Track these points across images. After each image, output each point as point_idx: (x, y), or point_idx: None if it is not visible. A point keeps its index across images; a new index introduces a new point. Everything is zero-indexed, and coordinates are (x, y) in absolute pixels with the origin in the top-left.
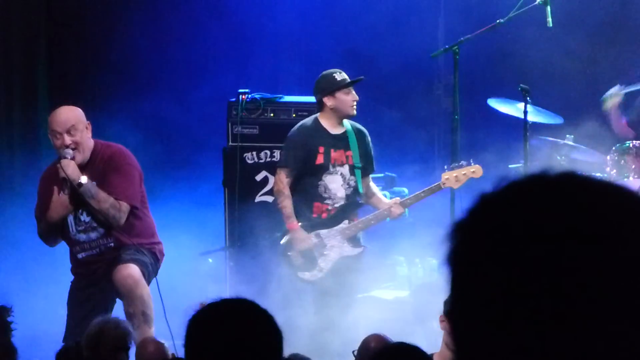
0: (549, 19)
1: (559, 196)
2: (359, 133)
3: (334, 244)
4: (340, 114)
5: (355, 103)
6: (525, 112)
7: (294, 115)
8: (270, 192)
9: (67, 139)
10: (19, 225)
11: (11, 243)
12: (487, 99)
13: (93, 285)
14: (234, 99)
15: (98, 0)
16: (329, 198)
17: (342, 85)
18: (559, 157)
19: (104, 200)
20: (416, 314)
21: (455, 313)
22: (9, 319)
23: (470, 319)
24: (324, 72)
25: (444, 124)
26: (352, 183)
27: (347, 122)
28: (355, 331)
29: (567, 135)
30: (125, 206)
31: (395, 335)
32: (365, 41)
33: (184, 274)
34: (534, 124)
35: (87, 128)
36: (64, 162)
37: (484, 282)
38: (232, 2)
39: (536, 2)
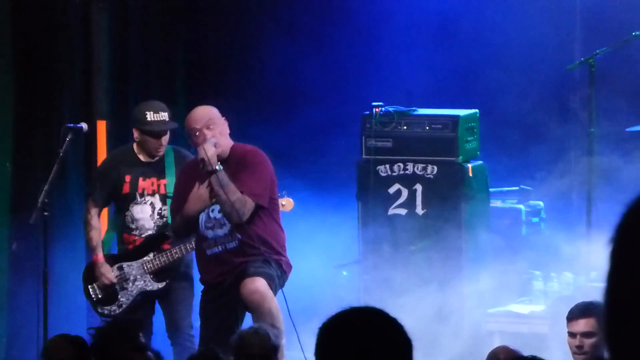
0: None
1: None
2: (182, 159)
3: (136, 277)
4: (145, 149)
5: (161, 148)
6: None
7: (427, 128)
8: (403, 205)
9: (208, 134)
10: None
11: None
12: (626, 120)
13: (222, 296)
14: (367, 112)
15: (232, 12)
16: (136, 229)
17: (145, 131)
18: None
19: (233, 192)
20: (552, 328)
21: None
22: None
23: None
24: (141, 104)
25: (579, 137)
26: (164, 213)
27: (170, 148)
28: (490, 345)
29: None
30: (250, 203)
31: (530, 349)
32: (500, 53)
33: (318, 285)
34: None
35: (224, 124)
36: (207, 145)
37: None
38: (365, 16)
39: None
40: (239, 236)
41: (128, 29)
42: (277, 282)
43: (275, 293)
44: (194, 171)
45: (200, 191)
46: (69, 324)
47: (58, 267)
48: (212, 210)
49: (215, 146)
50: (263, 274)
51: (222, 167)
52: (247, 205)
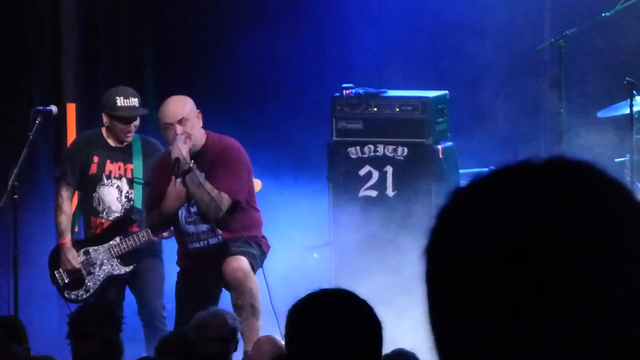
0: None
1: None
2: (149, 147)
3: (103, 262)
4: (114, 134)
5: (130, 134)
6: (631, 106)
7: (397, 109)
8: (374, 187)
9: (179, 129)
10: None
11: None
12: (595, 101)
13: (200, 278)
14: (338, 94)
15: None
16: (103, 211)
17: (114, 116)
18: None
19: (209, 189)
20: None
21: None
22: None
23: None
24: (112, 89)
25: (549, 118)
26: (131, 196)
27: (137, 136)
28: None
29: None
30: (227, 199)
31: None
32: (469, 35)
33: (289, 268)
34: None
35: (197, 117)
36: (179, 143)
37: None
38: None
39: None
40: (221, 231)
41: (97, 12)
42: (258, 262)
43: (255, 273)
44: (166, 167)
45: (177, 189)
46: (39, 307)
47: (28, 250)
48: (193, 205)
49: (185, 143)
50: (246, 254)
51: (195, 166)
52: (223, 201)
